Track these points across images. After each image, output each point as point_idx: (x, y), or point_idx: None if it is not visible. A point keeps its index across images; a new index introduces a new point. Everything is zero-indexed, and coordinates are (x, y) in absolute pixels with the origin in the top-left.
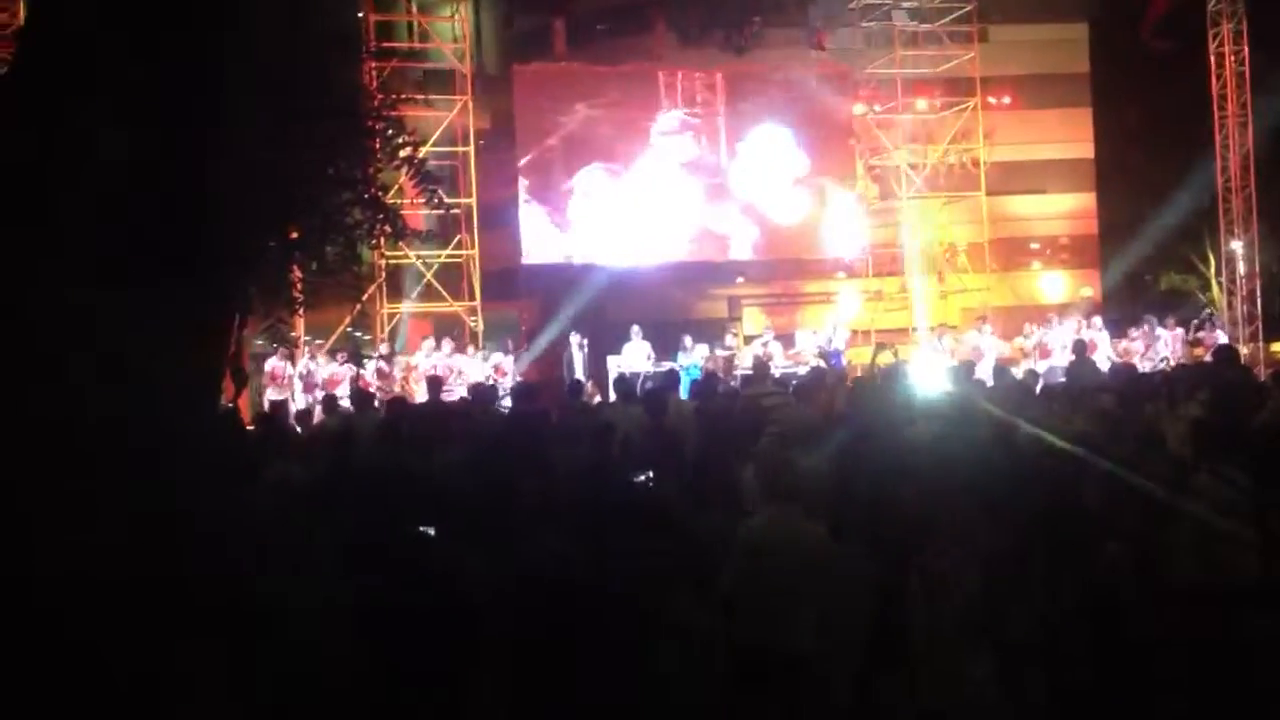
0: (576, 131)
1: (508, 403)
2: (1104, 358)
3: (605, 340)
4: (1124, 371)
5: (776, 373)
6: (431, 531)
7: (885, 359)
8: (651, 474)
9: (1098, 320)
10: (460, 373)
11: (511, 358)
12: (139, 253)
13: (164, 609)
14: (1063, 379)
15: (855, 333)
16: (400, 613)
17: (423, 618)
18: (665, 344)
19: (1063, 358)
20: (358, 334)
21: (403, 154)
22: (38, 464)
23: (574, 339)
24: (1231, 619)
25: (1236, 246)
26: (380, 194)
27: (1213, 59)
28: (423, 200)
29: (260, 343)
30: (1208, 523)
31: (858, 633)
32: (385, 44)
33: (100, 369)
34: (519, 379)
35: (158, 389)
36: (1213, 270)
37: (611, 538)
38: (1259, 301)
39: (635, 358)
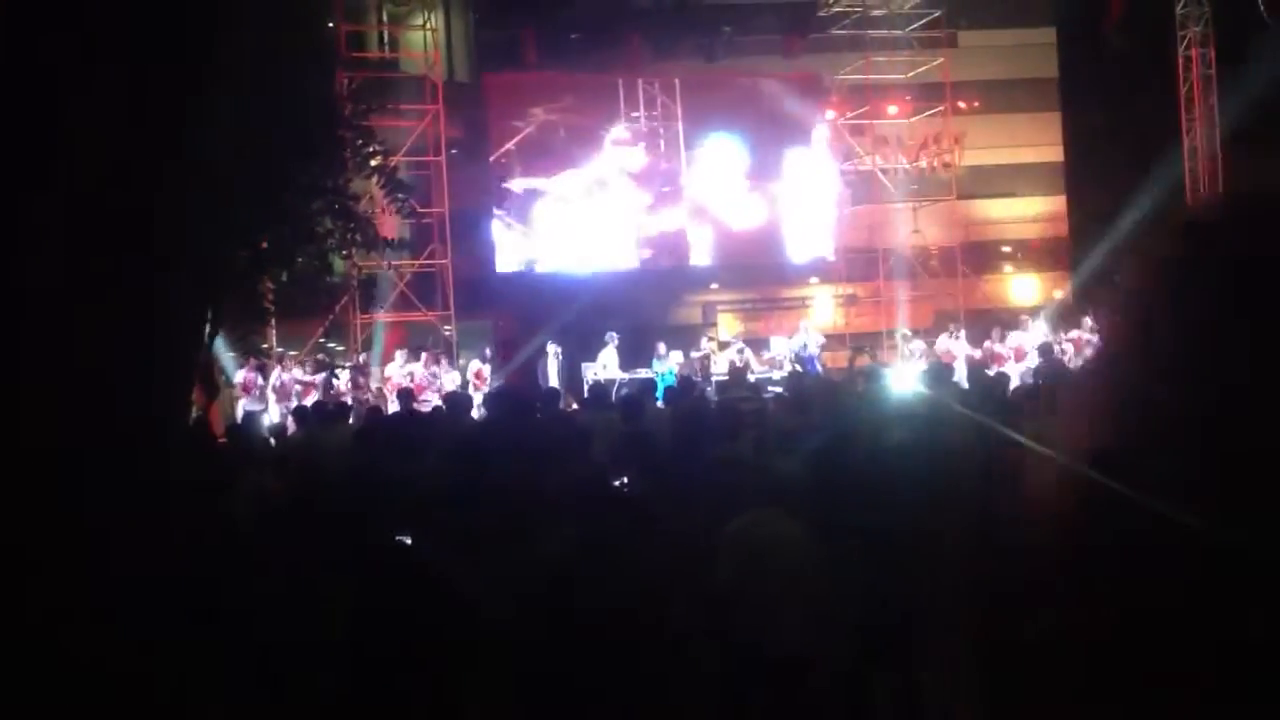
0: (541, 139)
1: (481, 412)
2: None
3: (579, 348)
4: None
5: (752, 378)
6: (408, 540)
7: (862, 361)
8: (626, 480)
9: (1087, 322)
10: (438, 382)
11: (488, 366)
12: (107, 257)
13: (139, 613)
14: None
15: (829, 337)
16: (379, 621)
17: (403, 625)
18: (640, 351)
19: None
20: (331, 345)
21: (373, 163)
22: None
23: (550, 348)
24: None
25: None
26: (351, 203)
27: (1180, 61)
28: (394, 209)
29: (231, 354)
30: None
31: (848, 633)
32: (356, 54)
33: (65, 374)
34: (496, 387)
35: (123, 396)
36: None
37: (592, 541)
38: None
39: (609, 365)
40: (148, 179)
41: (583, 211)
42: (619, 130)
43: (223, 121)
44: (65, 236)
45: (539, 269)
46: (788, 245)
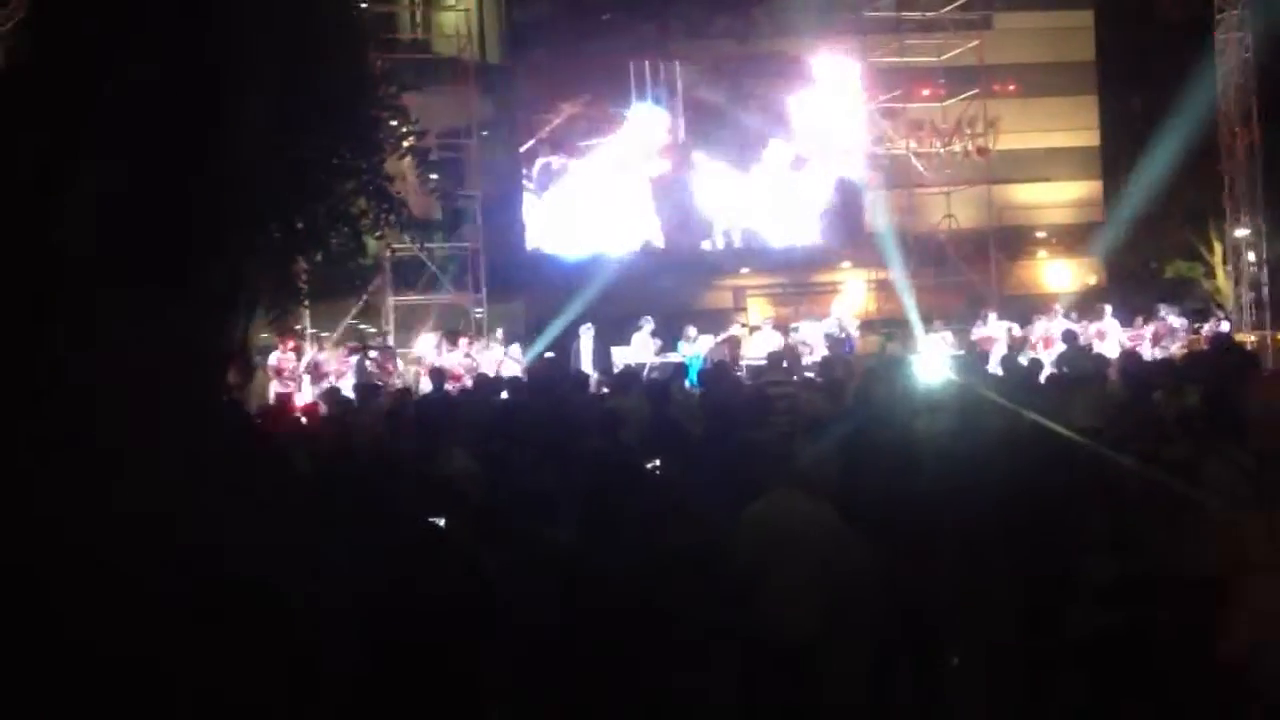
0: (573, 121)
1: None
2: (1114, 345)
3: (610, 332)
4: (1131, 359)
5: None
6: (441, 522)
7: (893, 348)
8: (659, 462)
9: (1107, 309)
10: (474, 363)
11: (518, 346)
12: (142, 242)
13: (167, 599)
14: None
15: (861, 323)
16: (413, 601)
17: (436, 606)
18: (671, 335)
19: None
20: (363, 326)
21: (406, 144)
22: (37, 459)
23: (584, 330)
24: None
25: (1241, 234)
26: (386, 183)
27: (1218, 47)
28: (426, 190)
29: (265, 336)
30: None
31: (867, 622)
32: (388, 35)
33: (101, 360)
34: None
35: (159, 380)
36: (1218, 258)
37: (622, 525)
38: (1265, 290)
39: (642, 349)
40: (183, 160)
41: (612, 191)
42: (648, 110)
43: (258, 100)
44: (98, 223)
45: (568, 251)
46: (828, 231)
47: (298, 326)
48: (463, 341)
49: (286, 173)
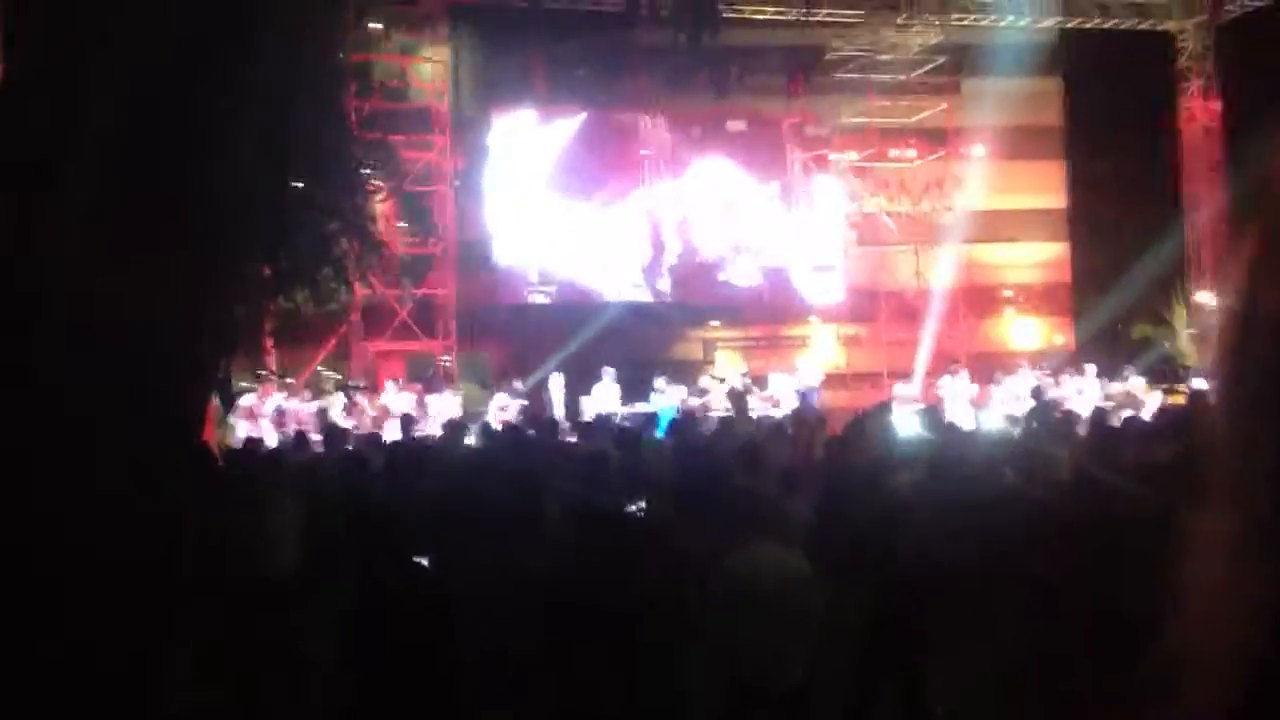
0: (547, 171)
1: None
2: (1088, 403)
3: (578, 381)
4: (1102, 414)
5: (753, 413)
6: (425, 561)
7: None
8: (644, 504)
9: (1090, 368)
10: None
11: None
12: (139, 264)
13: (152, 601)
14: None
15: (830, 376)
16: (394, 633)
17: (417, 637)
18: (638, 386)
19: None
20: (328, 373)
21: (382, 185)
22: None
23: (554, 379)
24: None
25: (1205, 297)
26: (369, 224)
27: (1183, 112)
28: (408, 233)
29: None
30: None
31: (848, 665)
32: (365, 84)
33: (89, 378)
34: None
35: (145, 401)
36: (1182, 321)
37: (609, 562)
38: None
39: (606, 399)
40: (173, 189)
41: (587, 243)
42: (624, 162)
43: (246, 140)
44: (92, 242)
45: (539, 299)
46: (799, 286)
47: (261, 371)
48: (420, 388)
49: (272, 210)
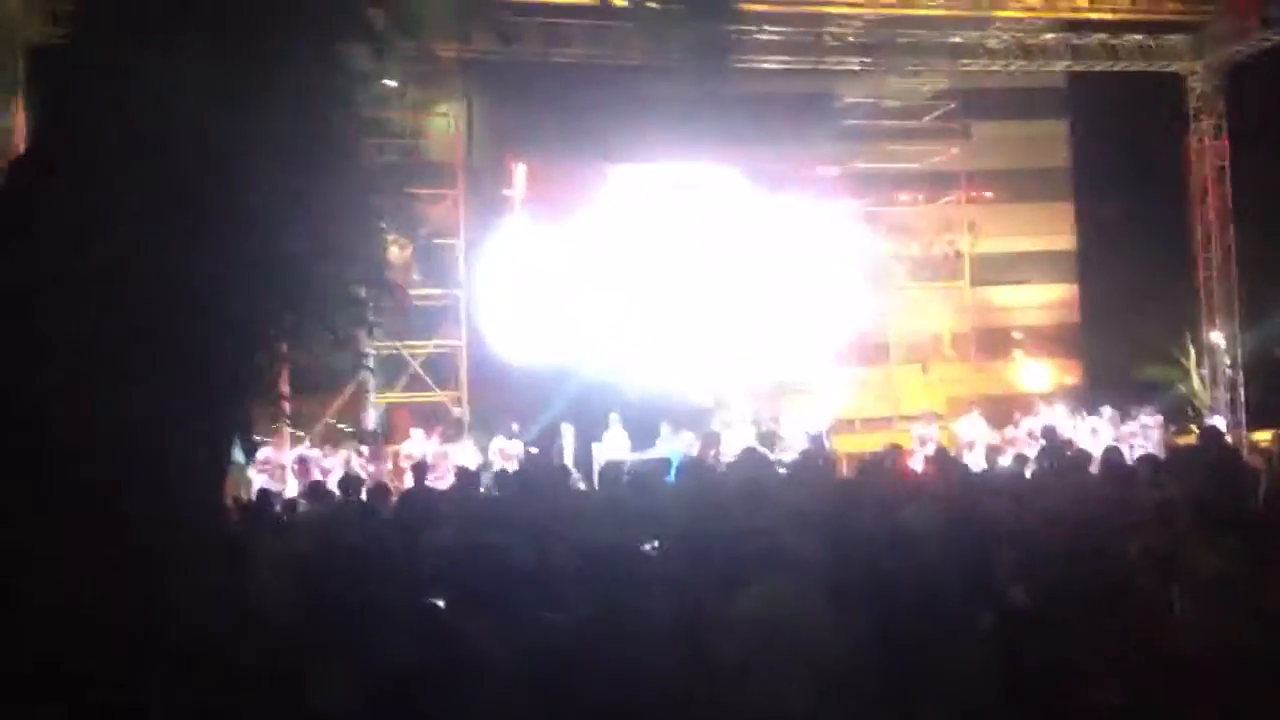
0: (559, 225)
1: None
2: (1100, 443)
3: (588, 428)
4: (1114, 452)
5: (772, 455)
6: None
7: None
8: (657, 543)
9: (1107, 410)
10: (447, 460)
11: (513, 441)
12: (157, 311)
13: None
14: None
15: (839, 421)
16: (414, 681)
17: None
18: (650, 432)
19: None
20: (341, 425)
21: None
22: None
23: (565, 428)
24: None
25: (1217, 338)
26: (387, 272)
27: (1192, 153)
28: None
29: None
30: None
31: (857, 696)
32: (379, 139)
33: (116, 419)
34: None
35: (170, 446)
36: (1193, 362)
37: (623, 604)
38: (1241, 391)
39: (616, 445)
40: (197, 236)
41: (594, 293)
42: (631, 214)
43: (268, 191)
44: (116, 287)
45: (546, 351)
46: (810, 329)
47: (275, 424)
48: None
49: (293, 258)
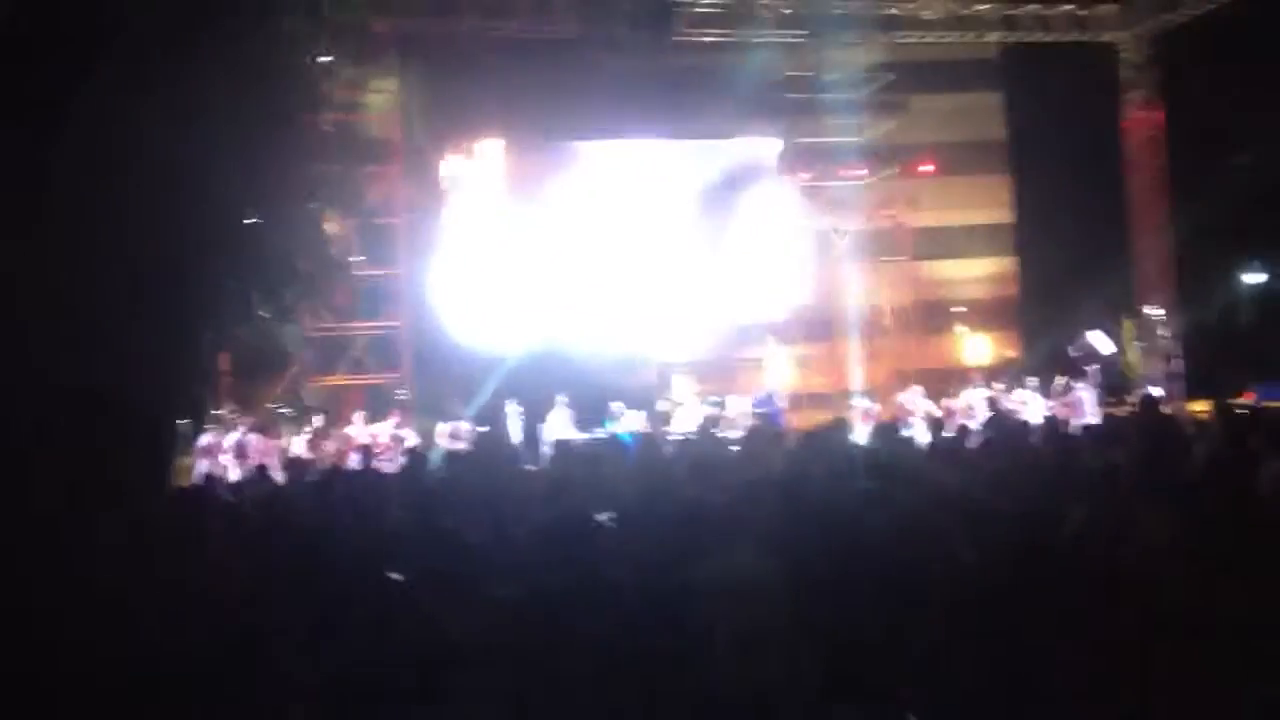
0: (497, 202)
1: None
2: (1037, 414)
3: (533, 409)
4: (1055, 423)
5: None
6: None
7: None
8: (612, 515)
9: (1033, 380)
10: (403, 444)
11: (463, 424)
12: (121, 279)
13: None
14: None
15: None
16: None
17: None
18: (595, 412)
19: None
20: (282, 409)
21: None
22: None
23: (510, 407)
24: None
25: (1152, 311)
26: (327, 245)
27: (1126, 124)
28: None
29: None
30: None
31: (814, 666)
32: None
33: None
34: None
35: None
36: (1129, 334)
37: (580, 571)
38: (1177, 363)
39: (562, 426)
40: (149, 213)
41: (538, 272)
42: (574, 192)
43: (213, 164)
44: (70, 265)
45: (489, 332)
46: (752, 305)
47: (221, 411)
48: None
49: (243, 231)
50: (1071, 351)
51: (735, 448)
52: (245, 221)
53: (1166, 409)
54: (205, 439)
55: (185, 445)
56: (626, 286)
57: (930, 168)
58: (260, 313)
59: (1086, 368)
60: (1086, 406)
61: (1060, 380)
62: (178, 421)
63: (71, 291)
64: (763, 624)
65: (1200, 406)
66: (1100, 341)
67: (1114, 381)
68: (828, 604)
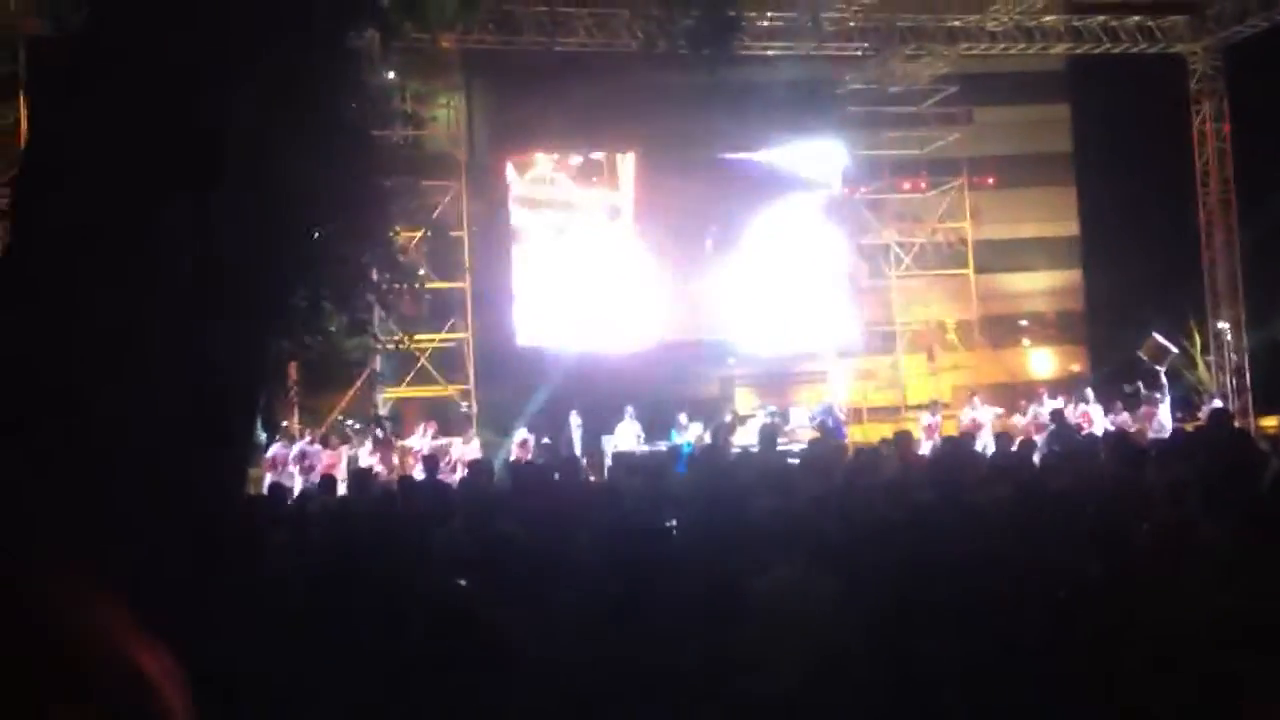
0: (562, 216)
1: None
2: (1100, 428)
3: (598, 421)
4: (1120, 435)
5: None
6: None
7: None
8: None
9: (1089, 394)
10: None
11: (532, 436)
12: (185, 291)
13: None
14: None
15: (851, 409)
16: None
17: (467, 665)
18: (658, 424)
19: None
20: (349, 422)
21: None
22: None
23: (573, 419)
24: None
25: (1223, 325)
26: (399, 255)
27: (1195, 136)
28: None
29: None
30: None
31: (876, 690)
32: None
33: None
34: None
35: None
36: (1198, 348)
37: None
38: (1246, 377)
39: (627, 437)
40: (218, 221)
41: (602, 287)
42: (636, 207)
43: (284, 174)
44: (143, 275)
45: (556, 345)
46: (817, 322)
47: (285, 422)
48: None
49: (309, 242)
50: (1141, 354)
51: (795, 460)
52: (317, 229)
53: (1238, 423)
54: (273, 450)
55: (257, 456)
56: (694, 299)
57: (993, 180)
58: (330, 326)
59: (1157, 367)
60: (1160, 419)
61: (1130, 387)
62: (251, 431)
63: (147, 297)
64: (823, 639)
65: (1270, 422)
66: (1168, 342)
67: (1183, 395)
68: (891, 624)
